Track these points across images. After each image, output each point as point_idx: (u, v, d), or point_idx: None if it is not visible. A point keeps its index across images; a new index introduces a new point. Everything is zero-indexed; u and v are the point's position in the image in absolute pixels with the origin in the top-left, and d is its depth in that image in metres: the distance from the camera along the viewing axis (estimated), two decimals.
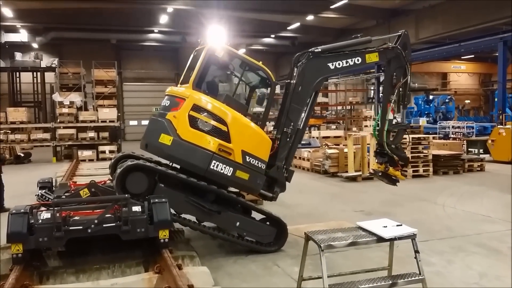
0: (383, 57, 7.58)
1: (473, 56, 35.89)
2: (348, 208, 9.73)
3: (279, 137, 6.98)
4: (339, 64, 7.16)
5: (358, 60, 7.32)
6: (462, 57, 36.54)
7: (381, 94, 7.84)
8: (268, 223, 6.82)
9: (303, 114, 7.18)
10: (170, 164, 6.75)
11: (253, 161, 6.48)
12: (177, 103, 6.39)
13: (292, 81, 7.01)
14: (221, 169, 6.23)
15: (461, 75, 40.21)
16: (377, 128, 7.69)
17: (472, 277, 5.68)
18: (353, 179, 13.76)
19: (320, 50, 7.03)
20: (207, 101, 6.36)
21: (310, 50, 7.04)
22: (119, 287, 4.81)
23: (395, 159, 7.65)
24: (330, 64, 7.10)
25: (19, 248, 4.88)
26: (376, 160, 7.93)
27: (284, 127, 6.97)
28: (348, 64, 7.25)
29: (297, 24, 30.96)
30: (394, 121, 7.68)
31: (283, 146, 7.01)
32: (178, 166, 6.63)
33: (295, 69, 7.06)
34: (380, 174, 7.75)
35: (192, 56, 7.10)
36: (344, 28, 32.08)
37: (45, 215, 5.10)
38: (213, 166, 6.17)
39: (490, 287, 5.39)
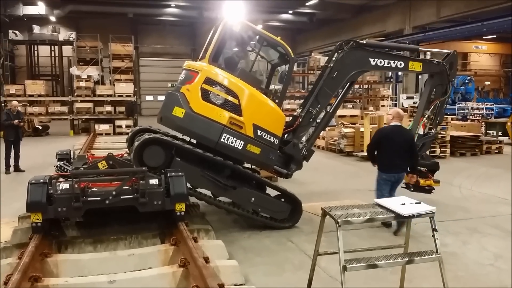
0: (427, 69, 7.73)
1: (495, 36, 34.93)
2: (363, 188, 9.68)
3: (303, 115, 7.01)
4: (380, 62, 7.20)
5: (400, 64, 7.38)
6: (484, 37, 35.60)
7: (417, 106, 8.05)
8: (282, 199, 6.84)
9: (332, 100, 7.27)
10: (189, 139, 6.77)
11: (265, 135, 6.46)
12: (191, 76, 6.38)
13: (329, 65, 7.06)
14: (232, 142, 6.22)
15: (482, 55, 39.25)
16: None
17: (487, 258, 5.67)
18: (368, 158, 13.65)
19: (365, 42, 7.13)
20: (219, 75, 6.33)
21: (355, 39, 7.14)
22: (135, 258, 4.90)
23: (423, 170, 7.70)
24: (371, 59, 7.15)
25: (39, 217, 4.98)
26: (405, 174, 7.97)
27: (309, 107, 7.03)
28: (389, 65, 7.32)
29: (315, 0, 30.40)
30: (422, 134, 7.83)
31: (304, 125, 7.05)
32: (195, 141, 6.64)
33: (336, 54, 7.11)
34: (412, 188, 7.72)
35: (212, 32, 7.04)
36: (363, 5, 31.36)
37: (64, 185, 5.19)
38: (224, 139, 6.17)
39: (505, 268, 5.36)
